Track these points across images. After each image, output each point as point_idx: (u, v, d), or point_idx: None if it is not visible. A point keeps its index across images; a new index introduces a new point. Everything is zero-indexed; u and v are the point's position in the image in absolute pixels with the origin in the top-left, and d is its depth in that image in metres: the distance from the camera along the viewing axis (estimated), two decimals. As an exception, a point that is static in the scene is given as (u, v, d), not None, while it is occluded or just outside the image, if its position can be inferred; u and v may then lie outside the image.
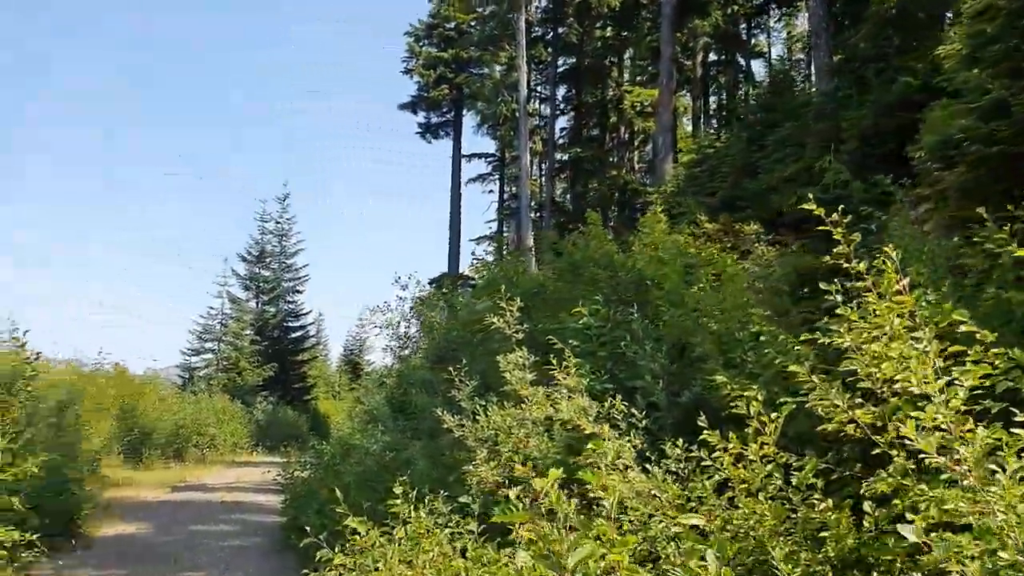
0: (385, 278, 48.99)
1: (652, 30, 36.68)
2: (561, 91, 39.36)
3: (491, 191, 45.06)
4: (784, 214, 14.24)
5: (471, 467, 6.92)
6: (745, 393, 5.08)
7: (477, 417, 7.20)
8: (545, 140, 38.97)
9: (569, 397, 5.91)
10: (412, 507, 6.00)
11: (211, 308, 40.62)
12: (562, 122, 40.80)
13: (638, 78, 40.32)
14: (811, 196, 10.55)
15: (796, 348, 5.84)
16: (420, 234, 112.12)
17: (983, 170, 9.76)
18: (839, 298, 4.86)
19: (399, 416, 13.93)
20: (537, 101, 41.46)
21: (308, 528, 8.11)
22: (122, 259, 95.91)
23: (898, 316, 4.78)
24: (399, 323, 16.54)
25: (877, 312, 4.78)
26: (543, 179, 42.10)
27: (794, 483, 4.68)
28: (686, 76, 37.92)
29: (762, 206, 17.83)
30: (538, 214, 36.20)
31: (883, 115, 17.56)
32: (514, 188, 44.29)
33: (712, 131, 29.34)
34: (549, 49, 39.14)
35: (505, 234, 42.29)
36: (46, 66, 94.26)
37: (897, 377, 4.59)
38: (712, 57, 41.19)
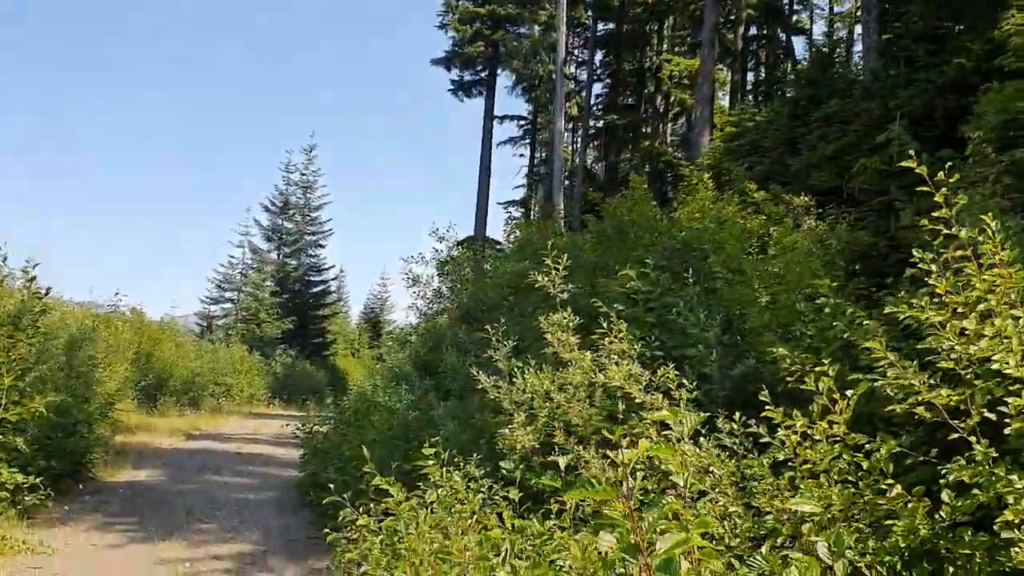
0: (408, 239, 48.76)
1: (695, -3, 35.84)
2: (599, 56, 38.60)
3: (521, 155, 44.54)
4: (834, 188, 13.76)
5: (507, 431, 6.60)
6: (816, 368, 4.72)
7: (514, 379, 6.86)
8: (580, 106, 38.30)
9: (617, 363, 5.55)
10: (444, 470, 5.69)
11: (232, 257, 40.57)
12: (597, 89, 40.08)
13: (676, 49, 39.47)
14: (868, 166, 10.02)
15: (865, 323, 5.45)
16: (447, 195, 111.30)
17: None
18: (933, 267, 4.47)
19: (424, 375, 13.66)
20: (574, 65, 40.74)
21: (330, 485, 7.84)
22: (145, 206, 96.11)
23: (992, 291, 4.38)
24: (433, 278, 16.21)
25: (975, 284, 4.38)
26: (575, 146, 41.48)
27: (865, 467, 4.33)
28: (726, 48, 37.05)
29: (803, 182, 17.31)
30: (568, 182, 35.66)
31: (934, 96, 16.94)
32: (544, 153, 43.75)
33: (752, 105, 28.54)
34: (589, 12, 38.34)
35: (534, 200, 41.81)
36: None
37: (995, 357, 4.19)
38: (752, 32, 40.33)
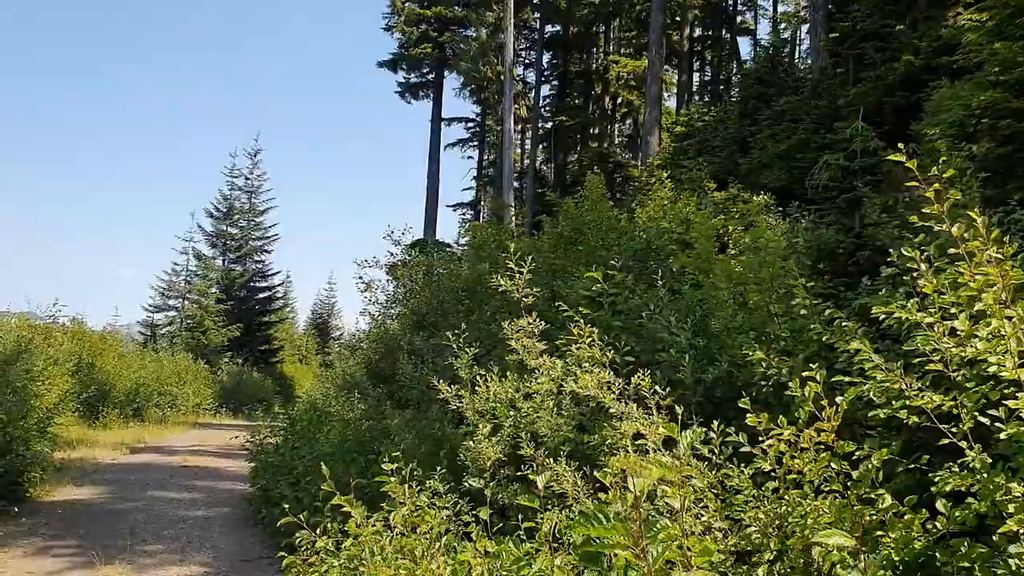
0: (356, 243, 47.93)
1: (642, -1, 35.91)
2: (546, 58, 38.49)
3: (470, 157, 44.22)
4: (785, 187, 13.69)
5: (471, 443, 6.29)
6: (804, 373, 4.49)
7: (476, 388, 6.55)
8: (529, 107, 38.13)
9: (588, 370, 5.27)
10: (407, 487, 5.36)
11: (176, 264, 39.50)
12: (545, 91, 40.00)
13: (623, 50, 39.52)
14: (831, 162, 9.83)
15: (843, 324, 5.25)
16: (395, 198, 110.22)
17: (1012, 146, 9.23)
18: (922, 265, 4.28)
19: (378, 383, 13.25)
20: (521, 67, 40.56)
21: (283, 503, 7.44)
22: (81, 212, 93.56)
23: (986, 289, 4.19)
24: (386, 282, 15.74)
25: (966, 283, 4.19)
26: (525, 148, 41.32)
27: (855, 475, 4.11)
28: (672, 49, 37.20)
29: (754, 181, 17.29)
30: (519, 183, 35.44)
31: (884, 93, 17.08)
32: (493, 155, 43.48)
33: (701, 106, 28.63)
34: (536, 14, 38.20)
35: (484, 203, 41.51)
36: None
37: (991, 360, 4.00)
38: (698, 33, 40.61)
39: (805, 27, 36.81)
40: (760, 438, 4.39)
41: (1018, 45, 9.93)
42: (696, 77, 42.07)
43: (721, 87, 38.28)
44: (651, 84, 30.12)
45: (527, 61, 40.85)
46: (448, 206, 43.81)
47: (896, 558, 3.93)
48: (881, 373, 4.56)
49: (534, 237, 13.24)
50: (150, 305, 38.68)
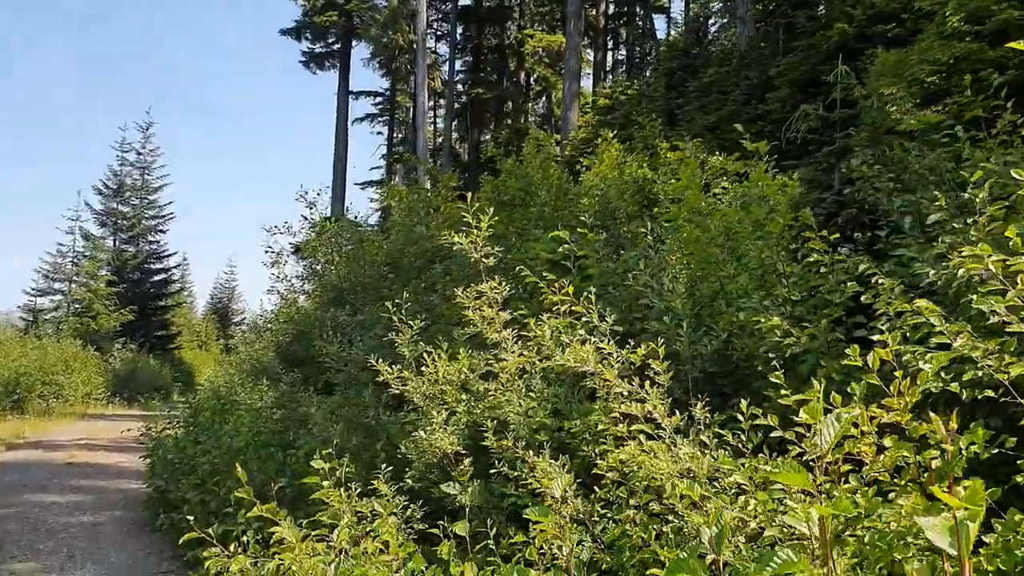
0: (257, 226, 45.72)
1: (558, -29, 35.02)
2: (459, 31, 37.15)
3: (379, 133, 42.59)
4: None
5: (421, 433, 5.19)
6: (876, 337, 3.60)
7: (423, 368, 5.45)
8: (444, 81, 36.81)
9: (584, 338, 4.25)
10: (342, 489, 4.28)
11: (61, 245, 36.63)
12: (458, 65, 38.64)
13: (538, 25, 38.56)
14: (809, 112, 8.79)
15: (881, 282, 4.34)
16: (301, 176, 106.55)
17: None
18: (981, 217, 3.40)
19: (290, 368, 11.96)
20: (434, 39, 39.10)
21: (186, 509, 6.22)
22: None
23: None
24: (296, 260, 14.39)
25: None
26: (437, 126, 40.03)
27: (935, 466, 3.21)
28: (588, 23, 36.43)
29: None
30: (433, 161, 34.11)
31: (820, 62, 16.59)
32: (404, 132, 42.01)
33: (625, 79, 27.90)
34: (448, -18, 36.88)
35: (394, 180, 40.07)
36: None
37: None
38: (612, 10, 40.02)
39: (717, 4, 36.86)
40: (794, 419, 3.44)
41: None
42: (611, 56, 41.53)
43: (644, 59, 37.87)
44: (570, 57, 29.24)
45: (440, 32, 39.43)
46: (356, 184, 41.96)
47: (1005, 568, 3.14)
48: (964, 338, 3.69)
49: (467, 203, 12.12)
50: (33, 289, 35.84)
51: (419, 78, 29.09)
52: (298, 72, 39.98)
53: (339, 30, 36.12)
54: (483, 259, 5.23)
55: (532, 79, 38.74)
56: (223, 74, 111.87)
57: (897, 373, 3.10)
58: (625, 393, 3.99)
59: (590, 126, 23.40)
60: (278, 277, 13.84)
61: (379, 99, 40.98)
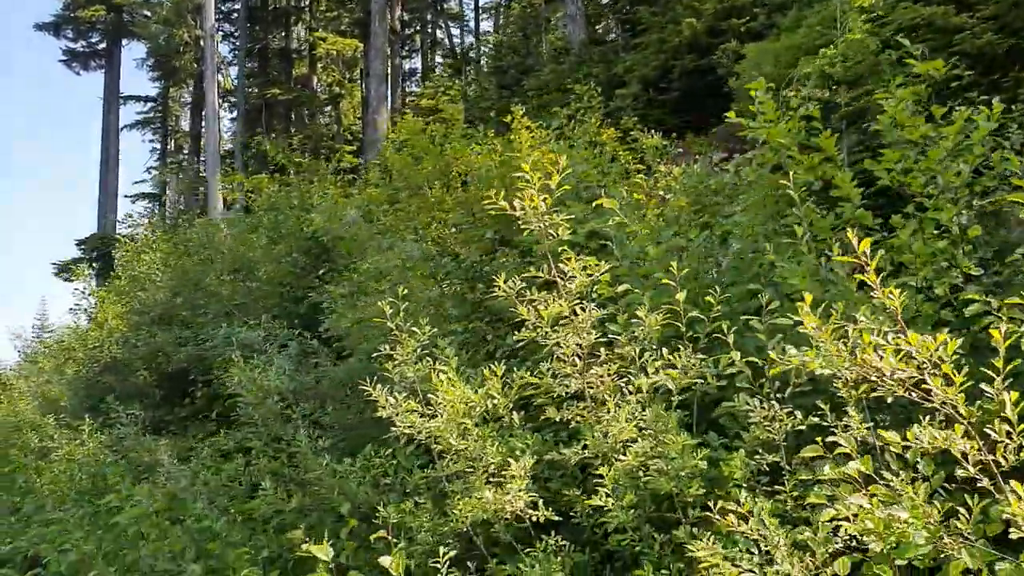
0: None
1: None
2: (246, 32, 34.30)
3: (152, 140, 38.54)
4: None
5: (473, 498, 3.49)
6: None
7: (431, 394, 3.78)
8: (234, 85, 33.74)
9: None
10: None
11: None
12: (241, 69, 35.61)
13: (331, 27, 36.49)
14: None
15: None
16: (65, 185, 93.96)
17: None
18: None
19: (111, 402, 9.51)
20: (220, 38, 35.83)
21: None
22: None
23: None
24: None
25: None
26: (222, 133, 36.69)
27: None
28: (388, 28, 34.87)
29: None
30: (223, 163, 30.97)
31: (672, 57, 16.13)
32: (179, 139, 38.33)
33: (447, 78, 26.54)
34: (232, -20, 33.97)
35: (175, 189, 36.38)
36: None
37: None
38: (405, 17, 38.75)
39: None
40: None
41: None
42: (406, 64, 40.20)
43: (431, 69, 36.93)
44: (374, 59, 27.56)
45: (224, 32, 36.28)
46: (127, 197, 37.62)
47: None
48: None
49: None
50: None
51: (208, 75, 26.12)
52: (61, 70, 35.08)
53: (107, 26, 32.19)
54: (550, 233, 3.58)
55: (325, 84, 36.64)
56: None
57: None
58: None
59: (411, 128, 21.82)
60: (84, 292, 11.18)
61: (151, 103, 37.11)
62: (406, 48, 40.55)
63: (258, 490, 6.36)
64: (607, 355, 3.54)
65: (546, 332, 3.54)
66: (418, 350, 3.91)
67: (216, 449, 7.44)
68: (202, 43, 27.09)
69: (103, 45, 33.82)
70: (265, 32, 34.69)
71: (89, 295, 11.91)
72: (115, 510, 4.89)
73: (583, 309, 3.50)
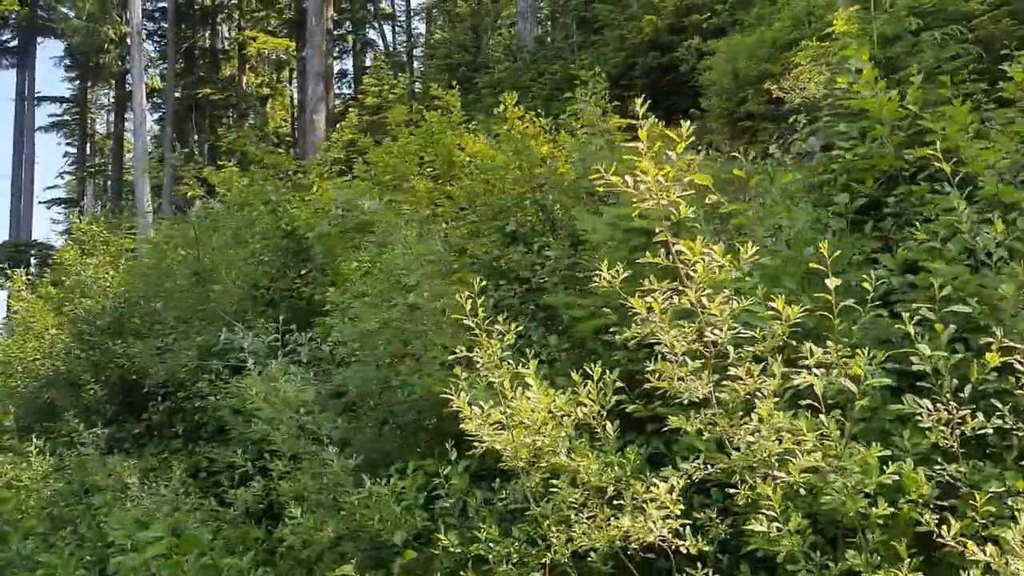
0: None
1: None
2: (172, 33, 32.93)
3: (68, 142, 36.74)
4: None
5: (573, 517, 2.98)
6: None
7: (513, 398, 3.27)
8: (161, 85, 32.33)
9: None
10: None
11: None
12: (165, 69, 34.16)
13: (262, 27, 35.35)
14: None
15: None
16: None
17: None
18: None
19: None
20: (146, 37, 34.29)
21: None
22: None
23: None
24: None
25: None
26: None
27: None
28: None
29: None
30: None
31: (632, 54, 15.86)
32: (96, 142, 36.62)
33: (391, 76, 25.76)
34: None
35: (87, 197, 34.77)
36: None
37: None
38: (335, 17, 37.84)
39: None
40: None
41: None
42: (337, 65, 39.21)
43: (364, 71, 36.10)
44: (312, 57, 26.66)
45: (151, 30, 34.76)
46: (42, 203, 35.78)
47: None
48: None
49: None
50: None
51: (136, 74, 24.79)
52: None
53: (21, 20, 30.50)
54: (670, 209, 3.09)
55: (254, 85, 35.43)
56: None
57: None
58: None
59: (355, 127, 21.03)
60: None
61: (65, 106, 35.35)
62: (337, 49, 39.59)
63: (250, 516, 5.69)
64: (736, 355, 3.04)
65: (659, 327, 3.05)
66: (500, 352, 3.35)
67: (185, 469, 6.75)
68: (128, 40, 25.76)
69: (15, 44, 32.11)
70: (192, 31, 33.37)
71: (23, 304, 10.86)
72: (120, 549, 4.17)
73: (711, 300, 2.99)
